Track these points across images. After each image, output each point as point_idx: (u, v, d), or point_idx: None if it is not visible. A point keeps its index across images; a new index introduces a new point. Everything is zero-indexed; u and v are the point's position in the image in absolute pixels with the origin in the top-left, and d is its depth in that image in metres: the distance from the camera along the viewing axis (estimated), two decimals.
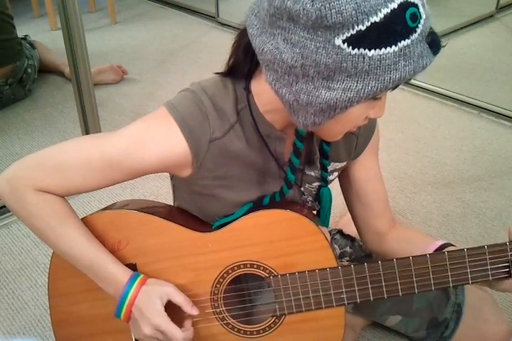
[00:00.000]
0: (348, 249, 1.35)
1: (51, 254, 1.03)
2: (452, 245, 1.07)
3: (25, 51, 2.51)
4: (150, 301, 0.93)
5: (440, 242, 1.07)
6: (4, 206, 0.99)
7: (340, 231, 1.40)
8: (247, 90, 0.93)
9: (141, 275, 0.97)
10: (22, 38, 2.59)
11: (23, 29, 2.90)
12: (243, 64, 0.92)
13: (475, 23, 3.23)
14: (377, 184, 1.15)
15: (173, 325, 0.94)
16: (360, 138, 1.07)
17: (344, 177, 1.15)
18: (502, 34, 3.24)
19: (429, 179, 2.02)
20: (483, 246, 0.95)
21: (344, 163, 1.10)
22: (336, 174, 1.11)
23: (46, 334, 1.45)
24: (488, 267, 0.96)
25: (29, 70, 2.50)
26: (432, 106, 2.50)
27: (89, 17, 3.41)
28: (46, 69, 2.69)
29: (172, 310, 0.95)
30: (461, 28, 3.15)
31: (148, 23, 3.40)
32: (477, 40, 3.11)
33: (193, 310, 0.96)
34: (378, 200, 1.15)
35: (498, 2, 3.29)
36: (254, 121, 0.94)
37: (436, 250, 1.06)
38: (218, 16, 3.33)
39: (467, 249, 0.95)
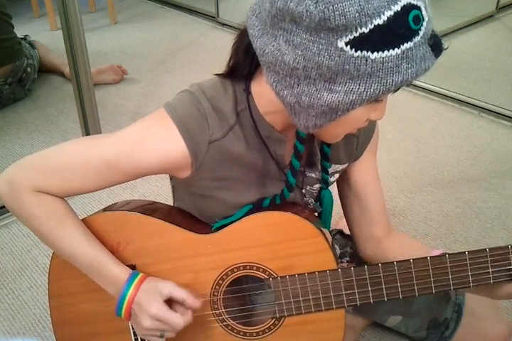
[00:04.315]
0: (348, 249, 1.35)
1: (51, 255, 1.03)
2: None
3: (25, 51, 2.51)
4: (150, 296, 0.93)
5: (438, 252, 1.07)
6: (4, 206, 0.98)
7: (340, 232, 1.40)
8: (247, 91, 0.93)
9: (141, 274, 0.96)
10: (22, 38, 2.59)
11: (23, 29, 2.90)
12: (243, 65, 0.91)
13: (475, 23, 3.23)
14: (376, 187, 1.14)
15: (172, 311, 0.93)
16: (360, 139, 1.07)
17: (342, 179, 1.14)
18: (502, 34, 3.24)
19: (429, 179, 2.02)
20: (485, 249, 0.94)
21: (345, 165, 1.10)
22: (336, 176, 1.11)
23: (46, 334, 1.45)
24: (490, 270, 0.95)
25: (29, 70, 2.50)
26: (432, 106, 2.50)
27: (89, 17, 3.41)
28: (46, 69, 2.69)
29: (171, 303, 0.95)
30: (461, 28, 3.15)
31: (148, 23, 3.40)
32: (477, 40, 3.11)
33: (195, 303, 0.95)
34: (376, 204, 1.14)
35: (498, 2, 3.29)
36: (254, 122, 0.94)
37: None
38: (218, 16, 3.33)
39: (468, 251, 0.95)
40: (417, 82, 2.55)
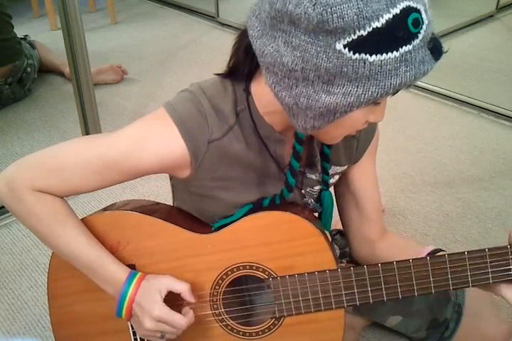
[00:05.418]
0: (347, 249, 1.35)
1: (51, 254, 1.03)
2: (442, 250, 1.06)
3: (25, 51, 2.51)
4: (149, 295, 0.93)
5: (430, 248, 1.06)
6: (4, 206, 0.99)
7: (340, 232, 1.39)
8: (247, 91, 0.93)
9: (140, 273, 0.97)
10: (22, 38, 2.59)
11: (23, 29, 2.90)
12: (243, 65, 0.91)
13: (475, 23, 3.23)
14: (374, 190, 1.14)
15: (174, 312, 0.94)
16: (360, 142, 1.07)
17: (341, 181, 1.14)
18: (502, 34, 3.23)
19: (429, 179, 2.02)
20: (484, 249, 0.94)
21: (345, 167, 1.10)
22: (336, 177, 1.10)
23: (46, 334, 1.45)
24: (489, 270, 0.95)
25: (29, 70, 2.50)
26: (432, 106, 2.50)
27: (89, 17, 3.41)
28: (46, 69, 2.69)
29: (170, 303, 0.95)
30: (461, 28, 3.15)
31: (148, 23, 3.40)
32: (477, 40, 3.11)
33: (191, 298, 0.96)
34: (373, 207, 1.14)
35: (498, 2, 3.29)
36: (254, 122, 0.94)
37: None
38: (218, 16, 3.33)
39: (468, 251, 0.95)
40: (417, 82, 2.55)
